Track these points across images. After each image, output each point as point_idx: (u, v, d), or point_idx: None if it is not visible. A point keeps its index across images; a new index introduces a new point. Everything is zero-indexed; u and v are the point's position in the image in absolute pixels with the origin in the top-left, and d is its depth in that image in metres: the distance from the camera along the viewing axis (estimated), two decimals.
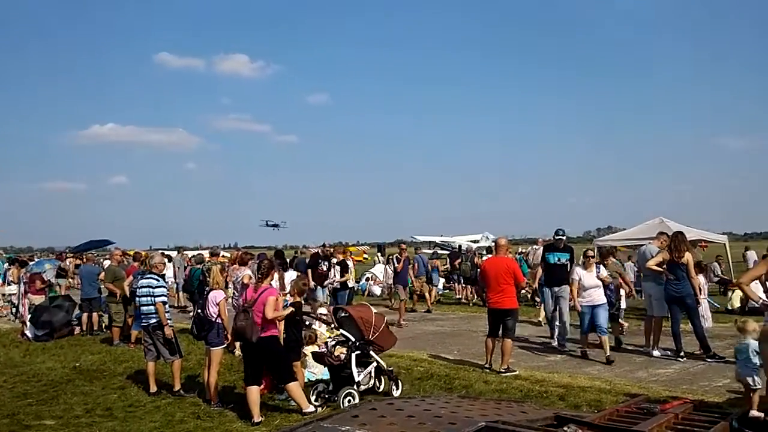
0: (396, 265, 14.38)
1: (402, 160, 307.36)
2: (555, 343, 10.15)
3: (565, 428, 3.70)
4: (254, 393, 6.54)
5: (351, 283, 13.95)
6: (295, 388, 6.61)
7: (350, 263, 13.90)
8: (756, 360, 5.69)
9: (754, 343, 5.86)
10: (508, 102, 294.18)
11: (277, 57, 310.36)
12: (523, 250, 20.92)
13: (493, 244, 10.38)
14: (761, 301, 6.60)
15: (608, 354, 8.98)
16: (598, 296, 9.37)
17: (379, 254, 25.83)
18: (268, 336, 6.54)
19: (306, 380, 7.44)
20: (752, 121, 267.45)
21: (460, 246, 23.27)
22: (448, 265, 21.17)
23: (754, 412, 4.48)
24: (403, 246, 16.29)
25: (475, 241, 32.52)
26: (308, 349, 7.04)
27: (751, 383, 5.75)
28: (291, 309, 6.98)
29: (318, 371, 8.00)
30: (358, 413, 3.75)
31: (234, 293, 10.07)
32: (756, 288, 7.43)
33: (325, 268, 13.03)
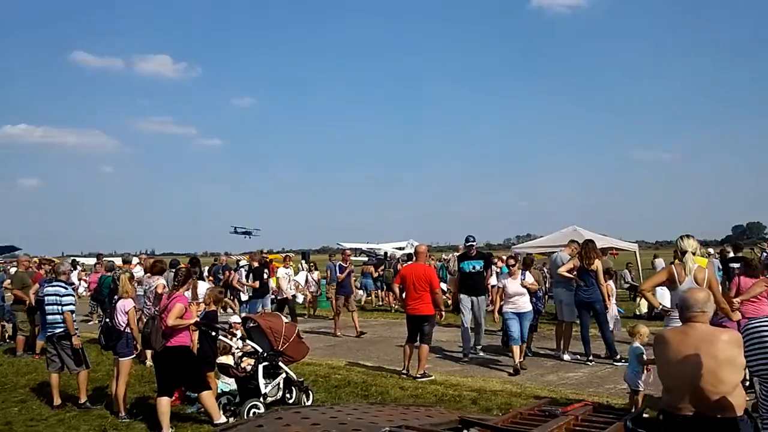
0: (338, 274, 13.83)
1: (330, 165, 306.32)
2: (470, 350, 10.28)
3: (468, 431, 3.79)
4: (164, 404, 6.36)
5: (293, 293, 13.77)
6: (207, 398, 6.47)
7: (283, 271, 13.59)
8: (637, 363, 6.10)
9: (637, 347, 6.27)
10: (431, 107, 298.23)
11: (202, 59, 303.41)
12: (445, 257, 21.25)
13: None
14: (661, 306, 6.99)
15: (517, 363, 8.95)
16: (523, 304, 9.29)
17: (303, 262, 25.60)
18: (177, 345, 6.39)
19: (219, 390, 7.30)
20: (661, 134, 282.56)
21: (385, 253, 23.43)
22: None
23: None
24: (348, 252, 15.92)
25: (400, 248, 32.78)
26: (221, 360, 6.91)
27: (632, 385, 6.19)
28: (196, 318, 6.84)
29: (232, 381, 7.86)
30: (263, 422, 3.70)
31: (146, 303, 9.78)
32: (663, 294, 7.81)
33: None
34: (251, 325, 7.40)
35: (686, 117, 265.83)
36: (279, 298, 13.33)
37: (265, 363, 7.00)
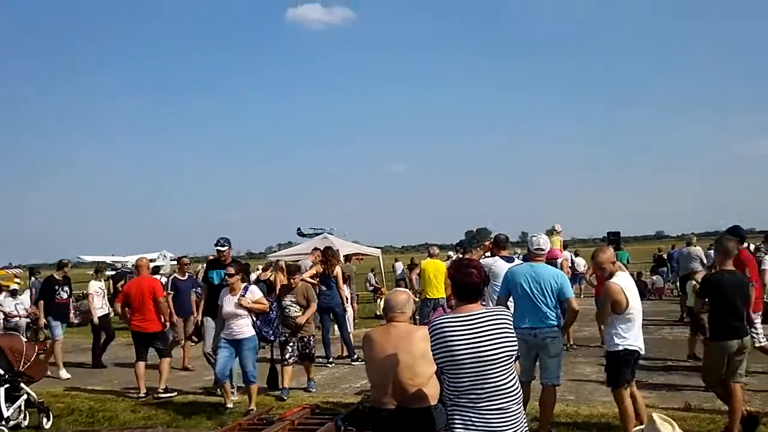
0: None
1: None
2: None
3: None
4: None
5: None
6: None
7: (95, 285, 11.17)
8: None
9: None
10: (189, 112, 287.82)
11: None
12: (194, 270, 20.50)
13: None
14: None
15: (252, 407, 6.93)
16: (240, 328, 7.04)
17: (32, 278, 22.65)
18: None
19: None
20: (412, 147, 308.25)
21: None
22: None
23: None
24: (186, 261, 13.82)
25: (151, 260, 30.78)
26: None
27: None
28: None
29: None
30: None
31: None
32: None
33: (65, 296, 10.40)
34: None
35: (419, 131, 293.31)
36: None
37: (7, 385, 6.53)
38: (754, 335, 6.35)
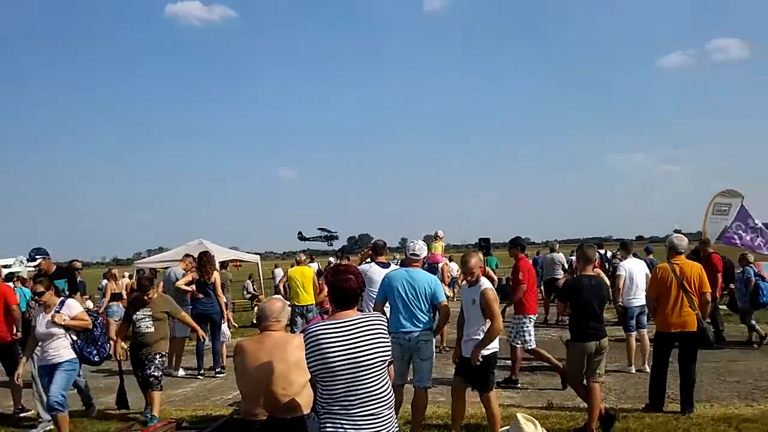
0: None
1: None
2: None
3: None
4: None
5: None
6: None
7: None
8: None
9: None
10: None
11: None
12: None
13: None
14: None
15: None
16: (57, 351, 6.13)
17: None
18: None
19: None
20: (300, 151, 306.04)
21: None
22: None
23: None
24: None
25: (5, 266, 28.13)
26: None
27: None
28: None
29: None
30: None
31: None
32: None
33: None
34: None
35: (306, 136, 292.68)
36: None
37: None
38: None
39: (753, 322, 10.03)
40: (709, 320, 6.86)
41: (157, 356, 6.72)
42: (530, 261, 9.49)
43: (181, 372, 9.63)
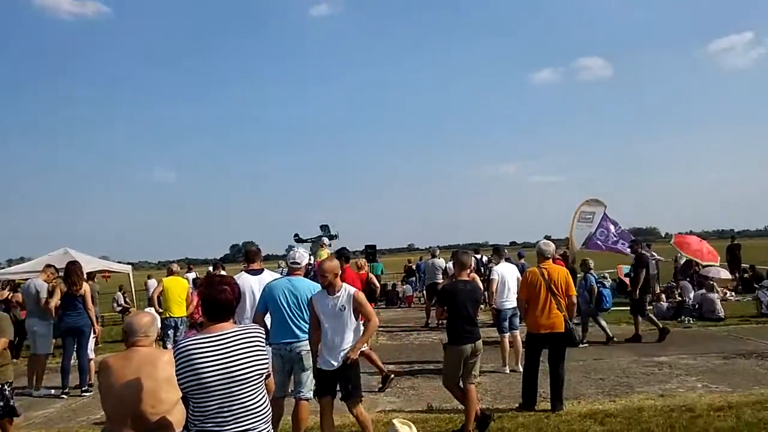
0: None
1: None
2: None
3: None
4: None
5: None
6: None
7: None
8: None
9: None
10: None
11: None
12: None
13: None
14: None
15: None
16: None
17: None
18: None
19: None
20: (180, 157, 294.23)
21: None
22: None
23: None
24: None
25: None
26: None
27: None
28: None
29: None
30: None
31: None
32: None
33: None
34: None
35: (184, 138, 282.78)
36: None
37: None
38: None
39: (602, 322, 10.88)
40: (576, 321, 7.30)
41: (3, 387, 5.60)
42: (355, 271, 9.69)
43: (43, 391, 8.91)
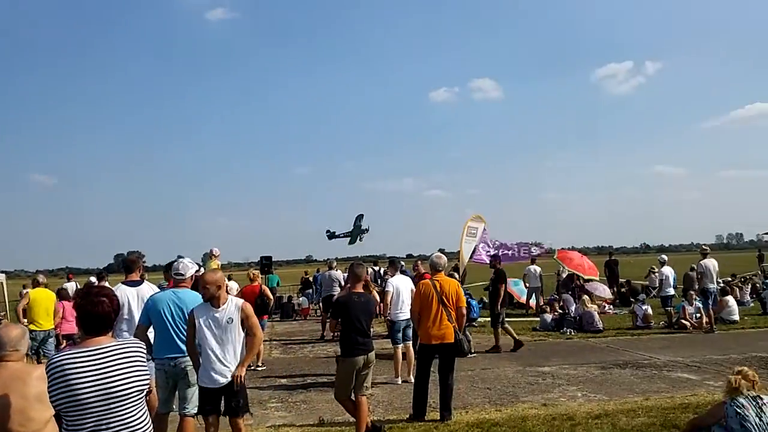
0: None
1: None
2: None
3: None
4: None
5: None
6: None
7: None
8: None
9: None
10: None
11: None
12: None
13: None
14: None
15: None
16: None
17: None
18: None
19: None
20: (57, 161, 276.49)
21: None
22: None
23: None
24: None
25: None
26: None
27: None
28: None
29: None
30: None
31: None
32: None
33: None
34: None
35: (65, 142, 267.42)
36: None
37: None
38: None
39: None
40: (465, 332, 7.52)
41: None
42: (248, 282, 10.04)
43: None
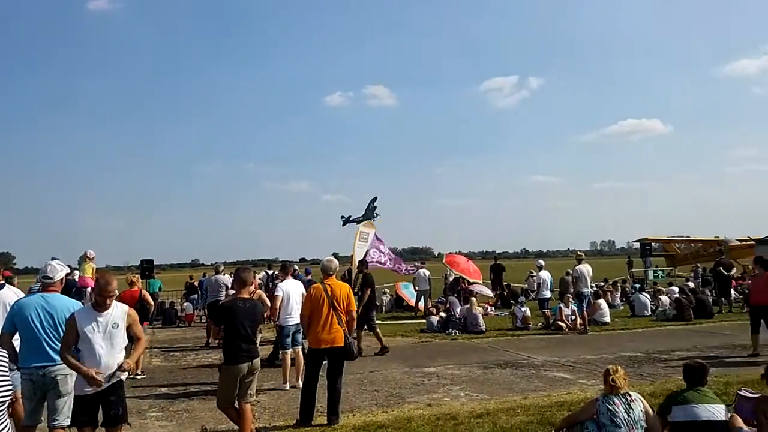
0: None
1: None
2: None
3: None
4: None
5: None
6: None
7: None
8: None
9: None
10: None
11: None
12: None
13: None
14: None
15: None
16: None
17: None
18: None
19: None
20: None
21: None
22: None
23: None
24: None
25: None
26: None
27: None
28: None
29: None
30: None
31: None
32: None
33: None
34: None
35: None
36: None
37: None
38: None
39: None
40: (354, 335, 7.54)
41: None
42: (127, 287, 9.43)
43: None
